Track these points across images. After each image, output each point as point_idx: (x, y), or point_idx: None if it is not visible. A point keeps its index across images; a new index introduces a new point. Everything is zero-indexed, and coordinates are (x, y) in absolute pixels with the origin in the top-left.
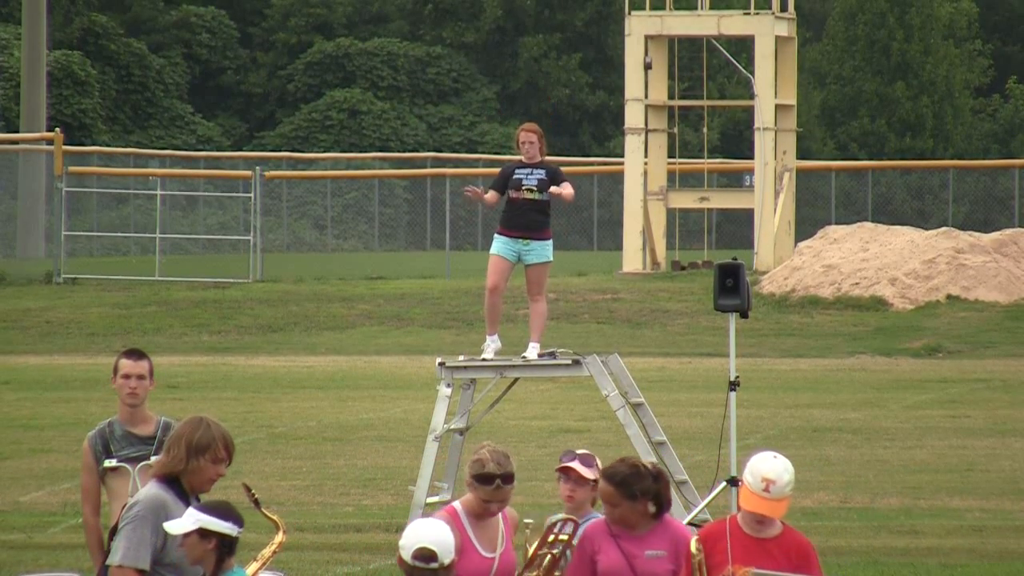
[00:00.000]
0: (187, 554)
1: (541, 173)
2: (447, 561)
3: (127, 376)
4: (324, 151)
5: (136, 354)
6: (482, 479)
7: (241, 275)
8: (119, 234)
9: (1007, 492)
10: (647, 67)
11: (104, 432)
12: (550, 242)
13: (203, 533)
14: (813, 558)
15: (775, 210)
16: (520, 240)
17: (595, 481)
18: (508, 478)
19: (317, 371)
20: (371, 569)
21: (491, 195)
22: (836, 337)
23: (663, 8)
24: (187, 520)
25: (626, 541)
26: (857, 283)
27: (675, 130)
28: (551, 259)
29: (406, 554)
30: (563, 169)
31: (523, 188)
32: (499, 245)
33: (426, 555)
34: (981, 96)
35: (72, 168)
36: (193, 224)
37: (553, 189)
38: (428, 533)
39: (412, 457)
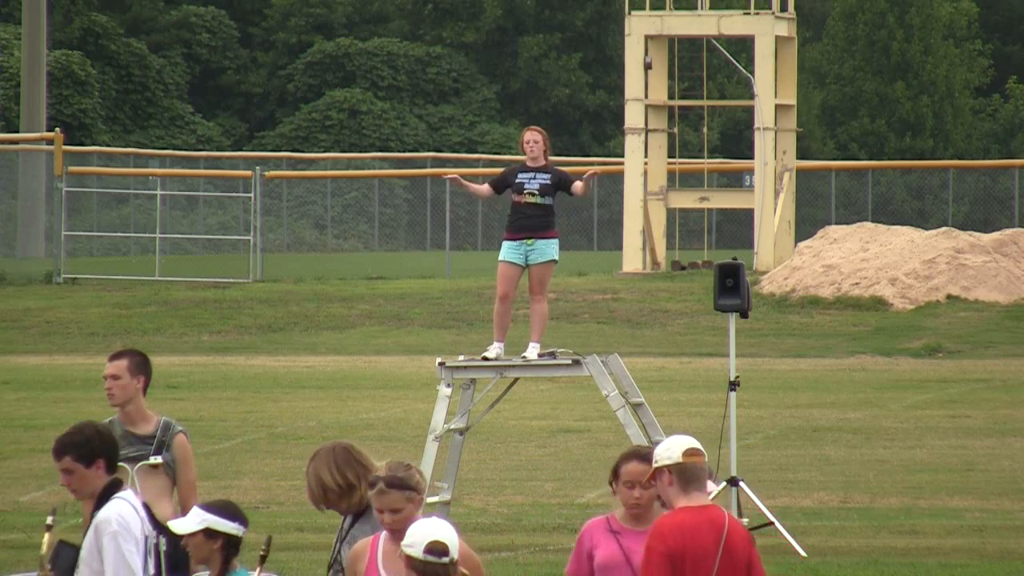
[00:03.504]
0: (192, 554)
1: (545, 178)
2: (456, 556)
3: (105, 377)
4: (324, 151)
5: (116, 354)
6: (370, 483)
7: (241, 275)
8: (119, 234)
9: (1007, 492)
10: (647, 67)
11: None
12: (555, 241)
13: (209, 533)
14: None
15: (775, 210)
16: (525, 241)
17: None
18: (395, 483)
19: (317, 371)
20: None
21: (484, 188)
22: (836, 337)
23: (663, 8)
24: (193, 520)
25: (625, 537)
26: (857, 283)
27: (675, 130)
28: (555, 258)
29: (416, 551)
30: (563, 169)
31: (525, 192)
32: (506, 251)
33: (439, 549)
34: (981, 96)
35: (72, 168)
36: (193, 224)
37: (575, 188)
38: (435, 529)
39: (412, 457)
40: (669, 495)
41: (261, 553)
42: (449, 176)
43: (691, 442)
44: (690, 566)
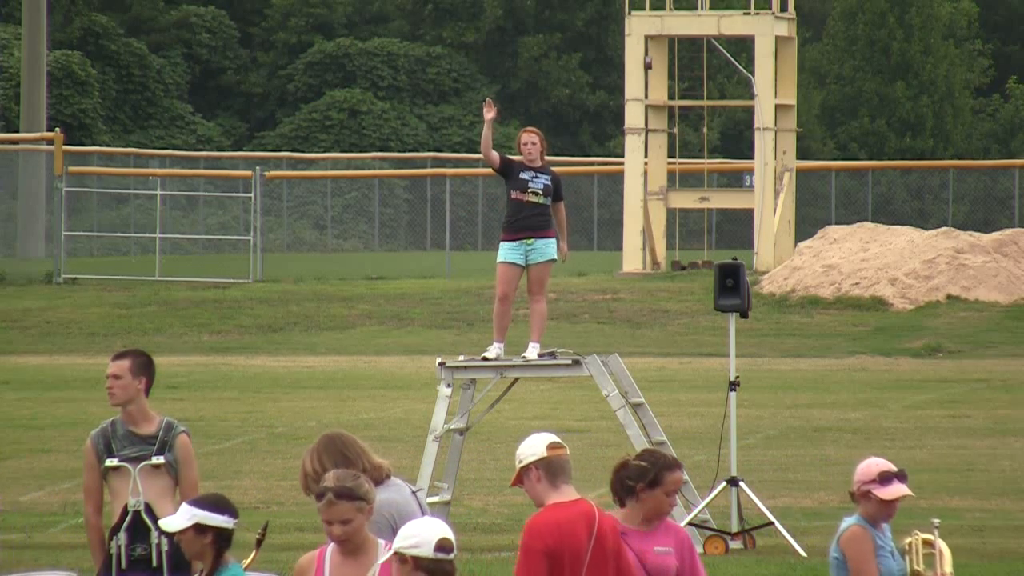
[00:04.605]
0: (185, 550)
1: (547, 179)
2: (456, 551)
3: (107, 376)
4: (324, 151)
5: (119, 354)
6: (316, 495)
7: (241, 275)
8: (119, 234)
9: (1007, 492)
10: (647, 67)
11: (106, 431)
12: (553, 240)
13: (199, 528)
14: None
15: (775, 210)
16: (524, 242)
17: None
18: (344, 494)
19: (317, 371)
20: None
21: (495, 154)
22: (836, 337)
23: (663, 8)
24: (182, 516)
25: (632, 538)
26: (857, 283)
27: (675, 130)
28: (555, 257)
29: (425, 550)
30: (563, 169)
31: (528, 191)
32: (505, 252)
33: (448, 546)
34: (981, 96)
35: (72, 168)
36: (193, 224)
37: (559, 221)
38: (438, 527)
39: (412, 457)
40: (539, 492)
41: (257, 536)
42: (488, 111)
43: (552, 437)
44: (568, 561)
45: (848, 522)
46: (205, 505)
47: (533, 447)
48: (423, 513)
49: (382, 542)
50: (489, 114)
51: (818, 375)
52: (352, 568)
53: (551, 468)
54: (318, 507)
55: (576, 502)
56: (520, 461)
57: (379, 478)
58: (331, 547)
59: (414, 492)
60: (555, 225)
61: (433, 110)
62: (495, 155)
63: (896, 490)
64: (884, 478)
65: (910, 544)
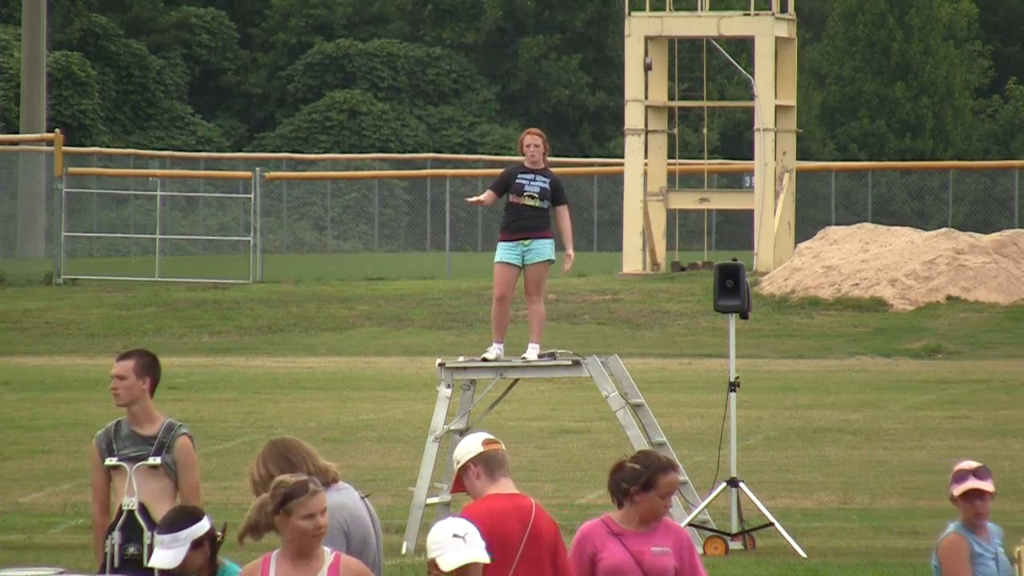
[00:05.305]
0: (191, 568)
1: (544, 182)
2: None
3: (112, 376)
4: (324, 152)
5: (124, 355)
6: (296, 493)
7: (241, 276)
8: (119, 235)
9: (1007, 492)
10: (647, 68)
11: (110, 431)
12: (551, 241)
13: (196, 544)
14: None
15: (775, 211)
16: (522, 242)
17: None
18: (319, 482)
19: (317, 372)
20: None
21: (488, 195)
22: (836, 338)
23: (663, 9)
24: (173, 547)
25: (630, 539)
26: (857, 284)
27: (675, 131)
28: (552, 257)
29: (486, 553)
30: (563, 170)
31: (524, 194)
32: (502, 252)
33: None
34: (981, 97)
35: (72, 169)
36: (193, 225)
37: (562, 226)
38: (464, 525)
39: (412, 458)
40: (478, 487)
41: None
42: (467, 201)
43: (487, 434)
44: (497, 550)
45: (948, 530)
46: (182, 524)
47: (468, 446)
48: (372, 517)
49: (328, 549)
50: (476, 203)
51: (818, 376)
52: (304, 571)
53: (488, 462)
54: (295, 504)
55: (514, 496)
56: (457, 463)
57: (325, 482)
58: (275, 555)
59: (363, 497)
60: (554, 228)
61: (433, 111)
62: (488, 195)
63: (966, 485)
64: (957, 477)
65: (1019, 553)
